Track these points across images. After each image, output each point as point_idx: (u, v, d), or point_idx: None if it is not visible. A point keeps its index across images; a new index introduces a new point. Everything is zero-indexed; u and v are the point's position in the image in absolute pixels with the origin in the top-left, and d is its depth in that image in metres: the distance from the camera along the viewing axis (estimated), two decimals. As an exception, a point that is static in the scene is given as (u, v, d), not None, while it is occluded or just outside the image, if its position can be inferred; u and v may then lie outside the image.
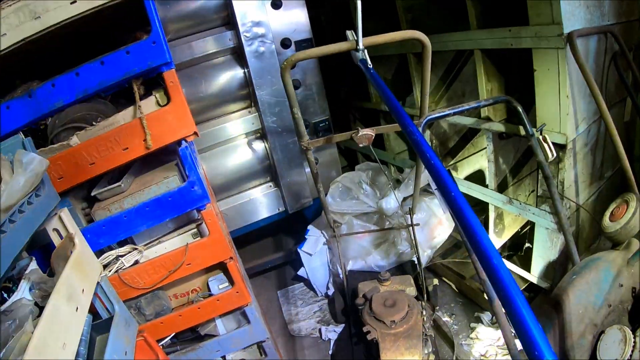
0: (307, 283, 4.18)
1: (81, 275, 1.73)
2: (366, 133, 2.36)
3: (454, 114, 2.67)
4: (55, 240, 1.95)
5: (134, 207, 2.24)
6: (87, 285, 1.77)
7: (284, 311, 4.06)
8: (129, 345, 1.94)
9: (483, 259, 1.03)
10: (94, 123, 2.19)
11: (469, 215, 1.14)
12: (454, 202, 1.19)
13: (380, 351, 2.60)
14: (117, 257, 2.39)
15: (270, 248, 4.77)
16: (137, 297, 2.51)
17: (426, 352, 2.67)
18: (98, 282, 1.97)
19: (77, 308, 1.57)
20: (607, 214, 2.45)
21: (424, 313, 2.71)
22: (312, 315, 3.91)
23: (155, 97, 2.23)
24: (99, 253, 2.32)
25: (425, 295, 2.97)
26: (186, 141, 2.24)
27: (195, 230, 2.55)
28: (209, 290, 2.74)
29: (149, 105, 2.20)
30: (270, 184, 4.07)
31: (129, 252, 2.44)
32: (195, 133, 2.26)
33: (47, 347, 1.28)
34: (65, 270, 1.62)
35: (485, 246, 1.04)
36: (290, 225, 4.64)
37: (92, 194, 2.33)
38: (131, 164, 2.40)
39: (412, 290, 3.00)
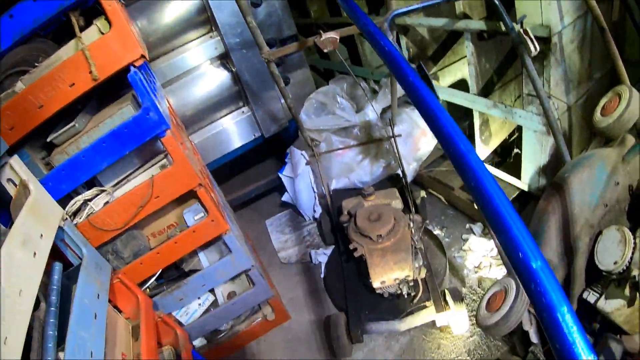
0: (295, 208, 4.14)
1: (38, 220, 1.67)
2: (330, 36, 2.23)
3: (424, 7, 2.51)
4: (11, 191, 1.90)
5: (91, 145, 2.13)
6: (47, 231, 1.71)
7: (273, 240, 4.06)
8: (101, 288, 1.93)
9: (461, 162, 0.97)
10: (36, 64, 2.06)
11: (438, 113, 1.06)
12: (420, 98, 1.10)
13: (369, 267, 2.59)
14: (86, 202, 2.33)
15: (254, 177, 4.69)
16: (113, 241, 2.48)
17: (417, 265, 2.66)
18: (62, 228, 1.93)
19: (34, 254, 1.52)
20: (598, 109, 2.37)
21: (412, 225, 2.68)
22: (301, 241, 3.91)
23: (97, 26, 2.09)
24: (66, 200, 2.27)
25: (413, 208, 2.93)
26: (135, 66, 2.11)
27: (164, 161, 2.49)
28: (186, 223, 2.68)
29: (90, 35, 2.07)
30: (243, 109, 3.95)
31: (97, 194, 2.37)
32: (142, 56, 2.13)
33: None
34: (20, 216, 1.56)
35: (460, 144, 0.97)
36: (272, 151, 4.56)
37: (48, 139, 2.24)
38: (87, 102, 2.31)
39: (398, 203, 2.97)
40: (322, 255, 3.63)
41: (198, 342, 3.31)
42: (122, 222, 2.34)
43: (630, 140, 2.19)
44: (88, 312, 1.69)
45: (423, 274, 2.72)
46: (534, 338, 2.21)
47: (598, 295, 1.93)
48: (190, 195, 2.56)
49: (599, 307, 1.90)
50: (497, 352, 2.66)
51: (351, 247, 2.67)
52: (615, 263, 1.82)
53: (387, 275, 2.57)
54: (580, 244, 2.00)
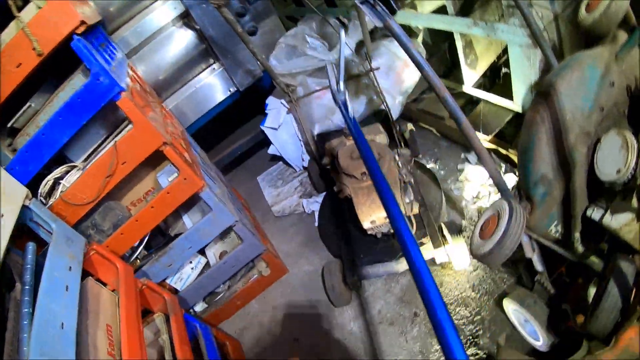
0: (284, 160, 3.98)
1: (-3, 201, 1.62)
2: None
3: None
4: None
5: (48, 121, 2.11)
6: (9, 210, 1.69)
7: (265, 196, 3.92)
8: (73, 261, 1.89)
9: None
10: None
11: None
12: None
13: (356, 208, 2.44)
14: (58, 181, 2.33)
15: (241, 137, 4.52)
16: (91, 215, 2.46)
17: (407, 201, 2.51)
18: (28, 207, 1.88)
19: (-5, 234, 1.46)
20: (583, 6, 2.13)
21: (398, 159, 2.51)
22: (293, 192, 3.77)
23: (34, 3, 2.02)
24: (38, 180, 2.27)
25: (402, 143, 2.75)
26: (77, 34, 2.05)
27: (130, 127, 2.35)
28: (161, 186, 2.58)
29: (29, 12, 2.02)
30: (214, 66, 3.73)
31: (67, 171, 2.35)
32: (82, 22, 2.04)
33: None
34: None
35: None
36: (256, 108, 4.36)
37: (8, 125, 2.22)
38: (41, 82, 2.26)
39: (382, 138, 2.80)
40: (314, 204, 3.50)
41: (199, 307, 3.23)
42: (94, 194, 2.29)
43: (622, 35, 1.95)
44: (59, 285, 1.68)
45: (416, 209, 2.57)
46: (538, 266, 2.08)
47: (603, 211, 1.76)
48: (163, 158, 2.45)
49: (606, 224, 1.73)
50: (503, 285, 2.55)
51: (336, 188, 2.53)
52: (618, 172, 1.64)
53: (375, 214, 2.43)
54: (577, 154, 1.80)
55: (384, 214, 2.43)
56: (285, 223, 3.71)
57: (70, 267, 1.81)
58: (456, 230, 2.56)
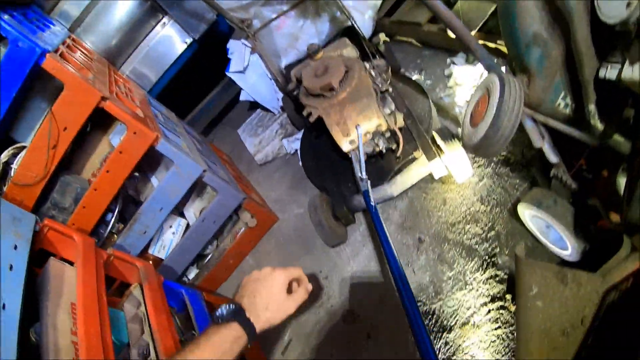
0: (261, 106, 3.62)
1: None
2: None
3: None
4: None
5: None
6: None
7: (247, 146, 3.58)
8: (20, 239, 1.76)
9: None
10: None
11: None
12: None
13: (329, 129, 2.08)
14: (8, 165, 2.26)
15: (210, 89, 4.17)
16: (48, 195, 2.33)
17: (388, 112, 2.14)
18: None
19: None
20: None
21: (369, 67, 2.12)
22: (274, 136, 3.42)
23: None
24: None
25: (377, 56, 2.36)
26: None
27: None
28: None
29: None
30: (164, 20, 3.42)
31: (16, 154, 2.26)
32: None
33: None
34: None
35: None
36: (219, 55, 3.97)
37: None
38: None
39: (350, 51, 2.39)
40: (295, 142, 3.16)
41: (192, 274, 2.93)
42: (42, 169, 2.15)
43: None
44: (1, 264, 1.57)
45: (400, 120, 2.19)
46: (551, 157, 1.72)
47: (620, 66, 1.34)
48: (113, 120, 2.37)
49: (626, 79, 1.31)
50: (515, 193, 2.18)
51: (305, 113, 2.15)
52: (628, 5, 1.21)
53: (352, 131, 2.05)
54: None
55: (362, 129, 2.07)
56: (270, 169, 3.39)
57: (15, 246, 1.67)
58: (449, 135, 2.18)
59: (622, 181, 1.48)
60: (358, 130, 2.13)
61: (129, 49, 3.42)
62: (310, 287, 1.41)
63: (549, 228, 1.86)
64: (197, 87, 4.14)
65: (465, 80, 2.66)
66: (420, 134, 2.27)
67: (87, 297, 1.70)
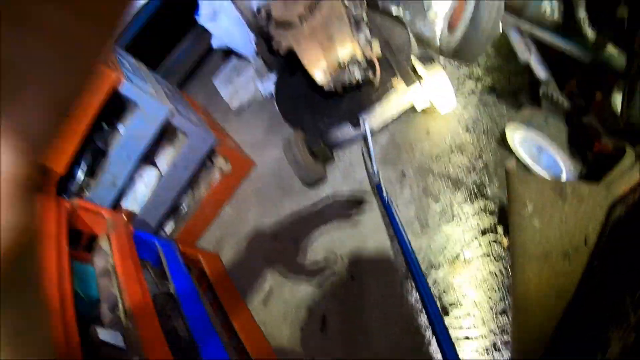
0: (236, 53, 3.37)
1: None
2: None
3: None
4: None
5: None
6: None
7: (222, 95, 3.35)
8: None
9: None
10: None
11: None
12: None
13: (301, 58, 1.86)
14: None
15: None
16: None
17: (363, 38, 1.91)
18: None
19: None
20: None
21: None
22: (249, 82, 3.18)
23: None
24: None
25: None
26: None
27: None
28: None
29: None
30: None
31: None
32: None
33: None
34: None
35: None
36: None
37: None
38: None
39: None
40: (270, 84, 2.94)
41: (168, 228, 2.72)
42: None
43: None
44: None
45: (377, 48, 1.98)
46: (540, 73, 1.55)
47: None
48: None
49: None
50: (503, 121, 1.98)
51: (274, 45, 1.92)
52: None
53: (326, 58, 1.83)
54: None
55: (335, 55, 1.85)
56: (247, 116, 3.17)
57: None
58: (428, 59, 1.97)
59: (618, 100, 1.30)
60: (364, 122, 1.99)
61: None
62: None
63: (540, 151, 1.67)
64: (168, 37, 3.86)
65: (445, 11, 2.42)
66: (398, 63, 2.05)
67: (44, 247, 1.48)
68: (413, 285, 1.84)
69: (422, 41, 2.35)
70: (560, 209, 1.20)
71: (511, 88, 2.03)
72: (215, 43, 3.22)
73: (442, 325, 1.33)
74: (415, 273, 1.49)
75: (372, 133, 2.09)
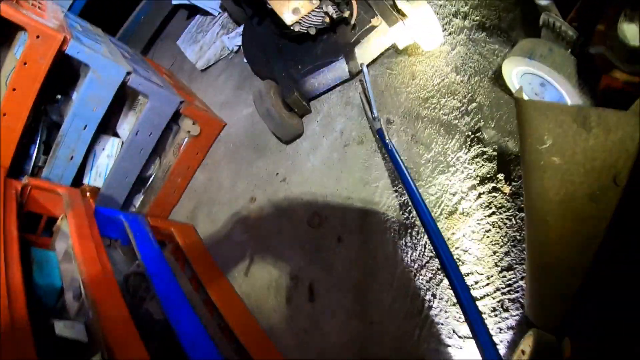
0: (200, 10, 3.08)
1: None
2: None
3: None
4: None
5: None
6: None
7: (188, 56, 3.10)
8: None
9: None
10: None
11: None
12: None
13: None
14: None
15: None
16: None
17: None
18: None
19: None
20: None
21: None
22: (215, 38, 2.92)
23: None
24: None
25: None
26: None
27: None
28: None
29: None
30: None
31: None
32: None
33: None
34: None
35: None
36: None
37: None
38: None
39: None
40: (236, 37, 2.67)
41: (138, 202, 2.48)
42: None
43: None
44: None
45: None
46: None
47: None
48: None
49: None
50: (495, 59, 1.75)
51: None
52: None
53: (296, -1, 1.59)
54: None
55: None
56: (214, 74, 2.92)
57: None
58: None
59: (627, 27, 1.10)
60: (364, 68, 1.76)
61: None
62: None
63: (544, 87, 1.45)
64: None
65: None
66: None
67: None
68: (409, 242, 1.65)
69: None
70: (584, 142, 0.98)
71: (502, 24, 1.81)
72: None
73: (464, 286, 1.20)
74: (428, 224, 1.34)
75: (353, 77, 1.86)
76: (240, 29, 2.64)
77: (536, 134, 1.02)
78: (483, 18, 1.86)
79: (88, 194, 2.35)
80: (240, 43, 2.63)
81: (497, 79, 1.65)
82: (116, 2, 3.39)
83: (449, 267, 1.26)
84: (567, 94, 1.36)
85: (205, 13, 3.10)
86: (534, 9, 1.40)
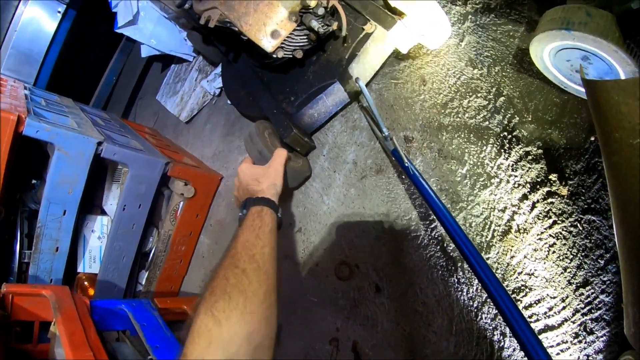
0: (174, 58, 2.89)
1: None
2: None
3: None
4: None
5: None
6: None
7: (169, 109, 2.88)
8: None
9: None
10: None
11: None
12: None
13: (239, 25, 1.38)
14: None
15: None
16: None
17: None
18: None
19: None
20: None
21: None
22: (195, 85, 2.70)
23: None
24: None
25: None
26: None
27: None
28: None
29: None
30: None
31: None
32: None
33: None
34: None
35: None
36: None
37: None
38: None
39: None
40: (215, 79, 2.44)
41: (143, 279, 2.24)
42: None
43: None
44: None
45: (334, -16, 1.47)
46: None
47: None
48: None
49: None
50: (513, 41, 1.49)
51: (203, 21, 1.44)
52: None
53: (271, 17, 1.36)
54: None
55: (282, 12, 1.35)
56: (199, 123, 2.68)
57: None
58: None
59: None
60: (360, 83, 1.53)
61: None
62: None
63: (588, 61, 1.19)
64: (92, 63, 3.38)
65: None
66: (365, 3, 1.56)
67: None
68: (462, 278, 1.37)
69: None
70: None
71: (510, 1, 1.56)
72: (145, 51, 2.74)
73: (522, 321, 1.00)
74: (469, 253, 1.13)
75: (357, 98, 1.61)
76: (218, 69, 2.42)
77: (620, 114, 0.76)
78: (485, -1, 1.62)
79: (86, 283, 2.14)
80: (218, 85, 2.41)
81: (521, 63, 1.42)
82: (84, 68, 3.23)
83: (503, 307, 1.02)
84: (618, 63, 1.10)
85: (180, 60, 2.91)
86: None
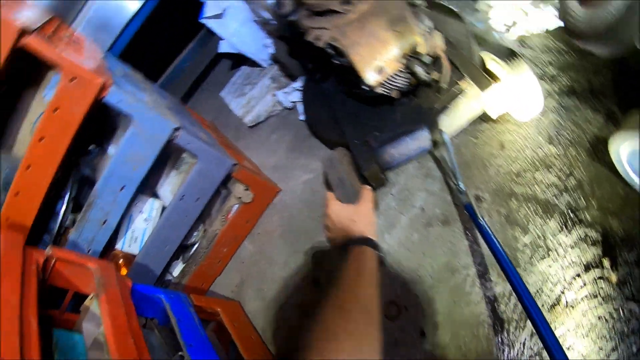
0: (247, 60, 3.11)
1: None
2: None
3: None
4: None
5: None
6: None
7: (234, 109, 3.09)
8: None
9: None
10: None
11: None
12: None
13: (349, 54, 1.60)
14: None
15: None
16: None
17: (424, 27, 1.64)
18: None
19: None
20: None
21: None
22: (266, 92, 2.92)
23: None
24: None
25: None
26: None
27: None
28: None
29: None
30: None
31: None
32: None
33: None
34: None
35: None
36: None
37: None
38: None
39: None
40: (293, 93, 2.66)
41: (176, 271, 2.44)
42: None
43: None
44: None
45: (439, 40, 1.70)
46: None
47: None
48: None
49: None
50: (590, 127, 1.73)
51: (311, 38, 1.66)
52: None
53: (382, 54, 1.58)
54: None
55: (393, 49, 1.58)
56: (264, 132, 2.89)
57: None
58: (507, 53, 1.70)
59: None
60: (445, 135, 1.73)
61: (70, 16, 2.75)
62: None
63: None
64: (169, 44, 3.60)
65: (499, 3, 2.14)
66: (464, 62, 1.78)
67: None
68: (506, 339, 1.56)
69: (476, 37, 2.09)
70: None
71: (592, 89, 1.78)
72: (223, 48, 2.97)
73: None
74: (537, 318, 1.25)
75: (436, 147, 1.82)
76: (296, 84, 2.64)
77: None
78: (572, 82, 1.85)
79: (121, 261, 2.29)
80: (296, 99, 2.62)
81: (595, 151, 1.64)
82: (160, 46, 3.43)
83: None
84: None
85: (253, 64, 3.12)
86: (626, 70, 1.38)
